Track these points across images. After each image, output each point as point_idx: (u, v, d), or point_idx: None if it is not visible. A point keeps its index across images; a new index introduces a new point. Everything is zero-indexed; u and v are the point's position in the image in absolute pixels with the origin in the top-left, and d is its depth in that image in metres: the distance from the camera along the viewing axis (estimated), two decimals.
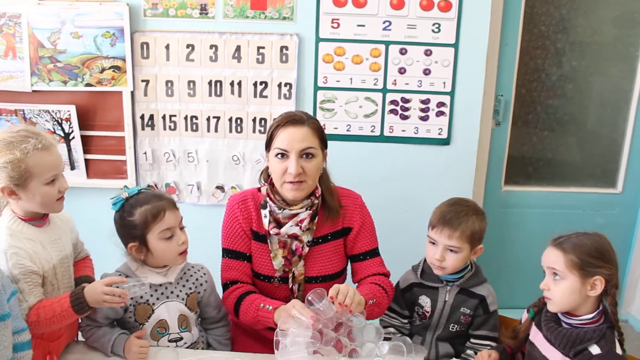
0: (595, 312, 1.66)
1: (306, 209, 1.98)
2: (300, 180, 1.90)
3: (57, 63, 2.84)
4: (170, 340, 1.87)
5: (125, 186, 1.87)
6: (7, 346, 1.45)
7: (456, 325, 2.01)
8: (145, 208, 1.79)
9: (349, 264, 2.13)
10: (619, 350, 1.63)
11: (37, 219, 1.72)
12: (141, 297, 1.82)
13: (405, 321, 2.09)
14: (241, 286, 2.01)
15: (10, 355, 1.46)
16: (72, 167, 2.98)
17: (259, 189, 2.09)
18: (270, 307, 1.86)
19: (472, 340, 2.02)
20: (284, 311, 1.79)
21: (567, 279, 1.64)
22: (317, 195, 2.00)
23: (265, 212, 2.01)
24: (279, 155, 1.91)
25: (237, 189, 3.06)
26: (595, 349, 1.61)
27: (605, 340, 1.62)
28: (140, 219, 1.78)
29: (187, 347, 1.89)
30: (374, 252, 2.11)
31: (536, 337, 1.78)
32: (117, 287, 1.68)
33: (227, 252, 2.05)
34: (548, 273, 1.70)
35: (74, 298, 1.64)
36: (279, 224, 1.99)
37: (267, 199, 2.00)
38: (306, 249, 2.00)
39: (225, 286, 2.04)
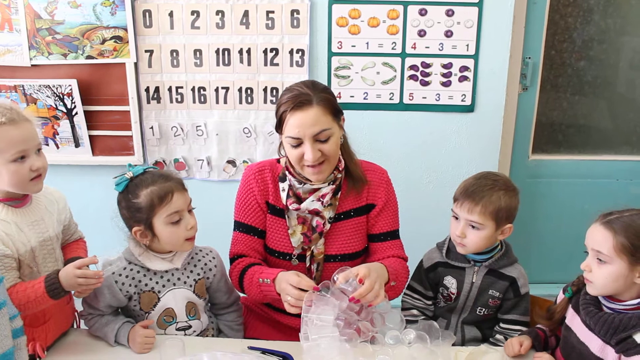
0: None
1: (329, 184, 1.88)
2: (321, 162, 1.80)
3: (55, 35, 2.75)
4: (178, 329, 1.80)
5: (130, 164, 1.77)
6: (7, 335, 1.42)
7: (484, 309, 1.92)
8: (151, 189, 1.69)
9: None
10: None
11: (15, 199, 1.64)
12: (145, 284, 1.75)
13: (429, 303, 2.01)
14: (245, 259, 1.93)
15: (12, 343, 1.44)
16: (77, 145, 2.92)
17: (277, 160, 1.99)
18: (269, 281, 1.76)
19: (501, 324, 1.93)
20: (283, 282, 1.70)
21: (613, 264, 1.50)
22: (341, 168, 1.90)
23: (283, 186, 1.91)
24: (293, 143, 1.79)
25: (249, 162, 2.97)
26: None
27: None
28: (146, 202, 1.69)
29: (196, 335, 1.82)
30: (395, 234, 2.01)
31: (573, 321, 1.66)
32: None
33: (239, 225, 1.97)
34: (592, 254, 1.56)
35: (49, 283, 1.57)
36: (299, 199, 1.89)
37: (286, 172, 1.91)
38: (327, 226, 1.90)
39: (232, 260, 1.96)
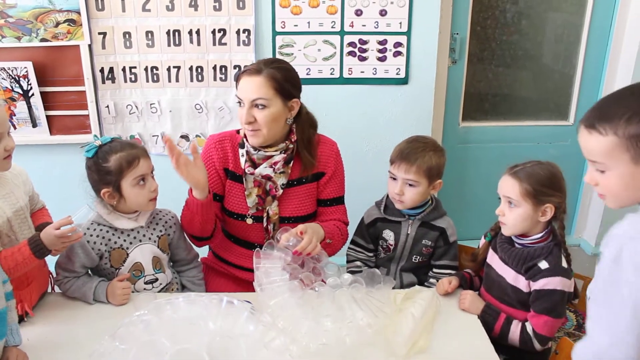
0: (544, 232, 1.80)
1: (280, 152, 2.04)
2: (254, 129, 1.97)
3: (8, 18, 2.78)
4: (146, 282, 1.95)
5: (96, 135, 1.91)
6: (0, 296, 1.50)
7: (418, 257, 2.12)
8: (120, 155, 1.84)
9: None
10: (564, 264, 1.77)
11: None
12: (115, 242, 1.90)
13: (371, 254, 2.19)
14: None
15: (5, 304, 1.52)
16: (34, 125, 2.97)
17: (237, 131, 2.14)
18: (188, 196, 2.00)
19: (434, 270, 2.13)
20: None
21: (521, 207, 1.76)
22: (292, 140, 2.06)
23: (242, 152, 2.07)
24: (239, 103, 1.99)
25: (202, 137, 3.09)
26: (543, 264, 1.76)
27: (553, 256, 1.76)
28: (115, 166, 1.83)
29: (162, 288, 1.98)
30: (340, 200, 2.20)
31: (492, 259, 1.92)
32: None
33: None
34: (504, 200, 1.81)
35: (34, 245, 1.68)
36: (255, 164, 2.06)
37: (244, 139, 2.06)
38: (280, 191, 2.07)
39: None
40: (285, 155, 2.05)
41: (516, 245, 1.84)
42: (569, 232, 3.75)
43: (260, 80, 1.93)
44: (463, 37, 3.27)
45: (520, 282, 1.80)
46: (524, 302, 1.80)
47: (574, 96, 3.49)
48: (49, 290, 1.99)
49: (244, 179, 2.08)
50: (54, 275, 1.96)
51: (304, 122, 2.09)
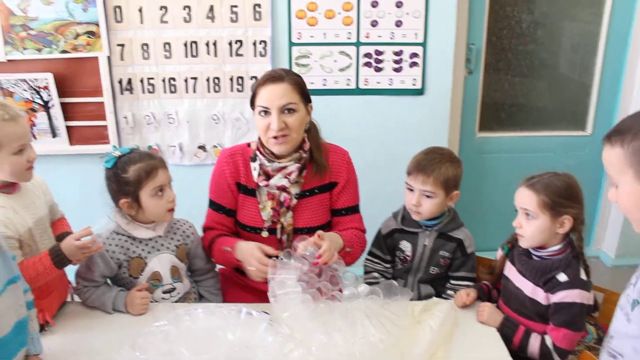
0: (562, 244, 1.78)
1: (294, 162, 2.04)
2: (284, 134, 1.97)
3: (29, 31, 2.84)
4: (164, 292, 1.95)
5: (115, 146, 1.92)
6: (22, 305, 1.52)
7: (436, 268, 2.10)
8: (139, 166, 1.85)
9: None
10: (583, 277, 1.75)
11: (6, 186, 1.76)
12: (133, 251, 1.91)
13: (388, 266, 2.17)
14: (213, 232, 2.13)
15: (26, 312, 1.54)
16: (54, 135, 3.01)
17: (248, 144, 2.15)
18: (229, 249, 2.00)
19: (451, 281, 2.11)
20: (246, 254, 1.93)
21: (538, 218, 1.75)
22: (306, 149, 2.06)
23: (255, 165, 2.08)
24: (262, 113, 1.97)
25: (219, 147, 3.11)
26: (562, 277, 1.73)
27: (571, 269, 1.74)
28: (134, 176, 1.84)
29: (180, 297, 1.99)
30: (355, 209, 2.19)
31: (510, 271, 1.90)
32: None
33: (211, 203, 2.16)
34: (521, 212, 1.80)
35: (54, 255, 1.71)
36: (268, 177, 2.06)
37: (257, 152, 2.07)
38: (294, 201, 2.07)
39: (203, 230, 2.16)
40: (299, 164, 2.06)
41: (534, 257, 1.82)
42: (588, 244, 3.72)
43: (286, 86, 1.96)
44: (479, 47, 3.28)
45: (538, 294, 1.78)
46: (543, 315, 1.78)
47: (592, 106, 3.48)
48: (69, 299, 2.01)
49: (257, 192, 2.09)
50: (74, 284, 1.98)
51: (312, 128, 2.12)
